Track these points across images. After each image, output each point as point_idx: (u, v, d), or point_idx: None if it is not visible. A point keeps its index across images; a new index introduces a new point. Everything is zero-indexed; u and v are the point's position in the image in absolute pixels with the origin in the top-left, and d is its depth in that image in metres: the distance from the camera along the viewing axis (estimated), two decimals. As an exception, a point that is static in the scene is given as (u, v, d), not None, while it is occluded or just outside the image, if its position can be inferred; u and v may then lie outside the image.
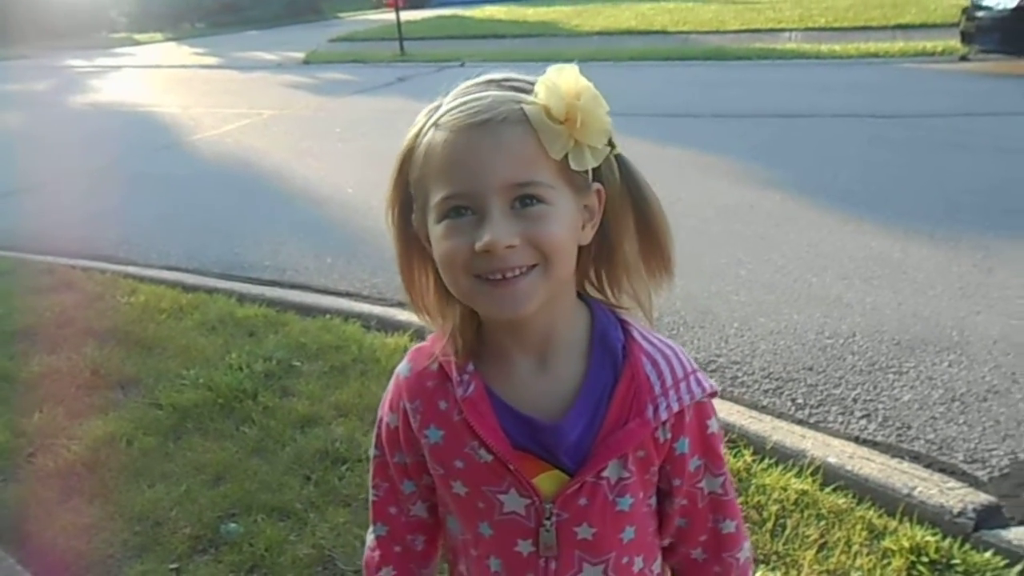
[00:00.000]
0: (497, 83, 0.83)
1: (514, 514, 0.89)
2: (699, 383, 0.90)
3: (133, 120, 10.05)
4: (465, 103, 0.81)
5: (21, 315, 3.83)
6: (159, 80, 14.29)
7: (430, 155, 0.81)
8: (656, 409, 0.87)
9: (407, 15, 17.00)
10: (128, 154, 8.02)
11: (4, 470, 2.63)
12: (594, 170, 0.84)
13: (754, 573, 2.02)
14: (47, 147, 8.58)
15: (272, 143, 8.03)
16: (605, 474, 0.87)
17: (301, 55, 15.57)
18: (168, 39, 22.59)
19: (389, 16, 16.70)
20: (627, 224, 0.88)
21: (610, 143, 0.84)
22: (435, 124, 0.83)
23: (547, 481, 0.88)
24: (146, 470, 2.57)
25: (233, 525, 2.29)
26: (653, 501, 0.94)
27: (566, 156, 0.79)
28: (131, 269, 4.52)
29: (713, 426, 0.93)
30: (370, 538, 1.03)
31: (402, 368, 0.95)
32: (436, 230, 0.81)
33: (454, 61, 13.47)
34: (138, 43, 22.00)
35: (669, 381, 0.88)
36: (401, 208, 0.88)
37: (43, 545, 2.27)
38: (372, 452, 1.01)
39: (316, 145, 7.91)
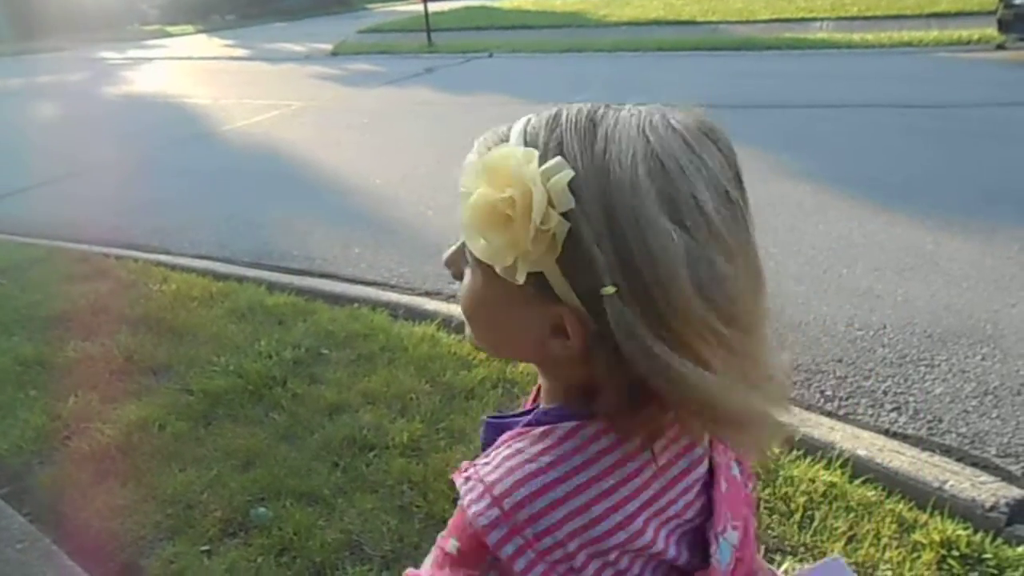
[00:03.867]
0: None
1: None
2: (474, 489, 0.63)
3: (165, 111, 10.17)
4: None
5: (56, 302, 3.90)
6: (190, 72, 14.44)
7: None
8: (463, 474, 0.67)
9: (435, 6, 17.00)
10: (160, 144, 8.12)
11: (40, 453, 2.68)
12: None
13: (779, 565, 2.02)
14: (81, 137, 8.72)
15: (301, 134, 8.09)
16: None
17: (329, 47, 15.65)
18: (199, 31, 22.82)
19: (417, 7, 16.72)
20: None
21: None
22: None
23: None
24: (178, 454, 2.61)
25: (263, 509, 2.32)
26: None
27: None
28: (163, 258, 4.58)
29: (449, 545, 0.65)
30: None
31: None
32: None
33: (482, 52, 13.47)
34: (169, 35, 22.26)
35: (483, 471, 0.64)
36: None
37: (78, 526, 2.31)
38: None
39: (344, 136, 7.95)
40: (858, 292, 3.62)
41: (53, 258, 4.62)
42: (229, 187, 6.29)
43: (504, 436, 0.67)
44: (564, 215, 0.57)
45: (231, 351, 3.27)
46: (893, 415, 2.72)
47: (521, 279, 0.60)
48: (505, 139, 0.65)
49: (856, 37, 11.58)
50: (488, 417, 0.78)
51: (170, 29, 23.48)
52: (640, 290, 0.57)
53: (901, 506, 2.21)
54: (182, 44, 19.57)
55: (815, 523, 2.16)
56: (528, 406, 0.81)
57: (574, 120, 0.62)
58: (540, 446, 0.64)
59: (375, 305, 3.70)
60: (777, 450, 2.46)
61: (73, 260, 4.55)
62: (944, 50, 10.37)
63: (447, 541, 0.65)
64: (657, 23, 15.01)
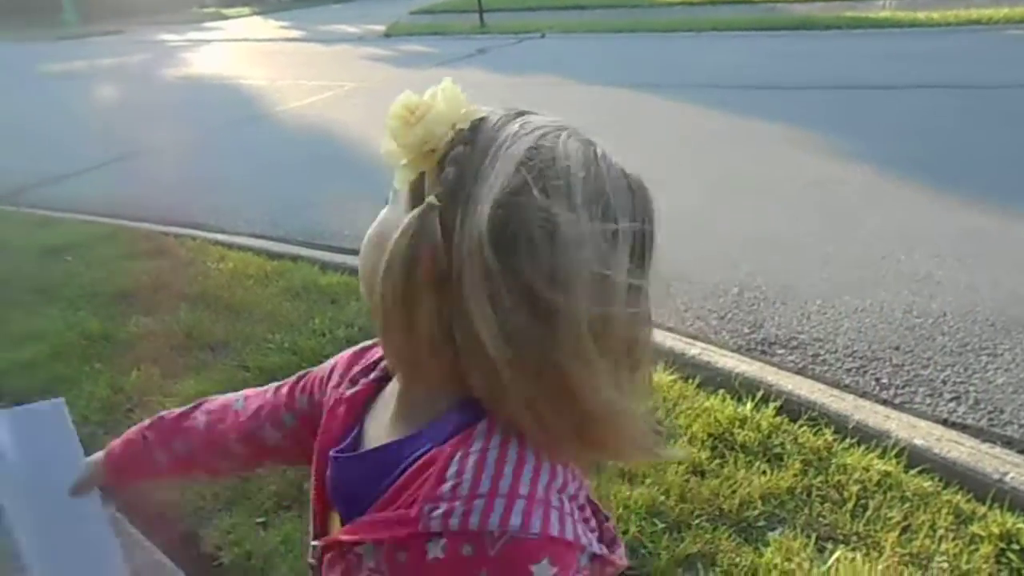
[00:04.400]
0: None
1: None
2: (521, 514, 0.61)
3: (221, 92, 10.35)
4: None
5: (120, 279, 4.02)
6: (246, 53, 14.66)
7: None
8: (431, 511, 0.61)
9: (487, -14, 16.92)
10: (217, 125, 8.28)
11: (105, 424, 2.78)
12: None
13: (831, 554, 1.99)
14: (142, 118, 8.93)
15: (353, 115, 8.16)
16: (359, 551, 0.68)
17: (382, 28, 15.71)
18: (254, 13, 23.12)
19: (469, -12, 16.65)
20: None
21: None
22: None
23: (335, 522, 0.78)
24: (235, 428, 2.68)
25: (316, 484, 2.37)
26: None
27: None
28: (220, 236, 4.69)
29: None
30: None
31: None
32: None
33: (534, 32, 13.38)
34: (226, 17, 22.59)
35: (466, 489, 0.62)
36: None
37: (141, 496, 2.38)
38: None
39: (396, 117, 7.99)
40: (917, 278, 3.53)
41: (116, 236, 4.76)
42: (282, 167, 6.39)
43: (419, 465, 0.65)
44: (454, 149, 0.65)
45: (286, 329, 3.34)
46: (952, 404, 2.66)
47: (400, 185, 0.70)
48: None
49: (921, 15, 11.20)
50: (339, 454, 0.76)
51: (226, 11, 23.82)
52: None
53: (959, 497, 2.16)
54: (238, 26, 19.86)
55: (868, 512, 2.13)
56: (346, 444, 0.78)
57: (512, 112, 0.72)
58: (480, 444, 0.64)
59: (426, 285, 3.72)
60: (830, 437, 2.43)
61: (135, 238, 4.68)
62: (1015, 28, 9.96)
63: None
64: (713, 3, 14.70)
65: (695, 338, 3.13)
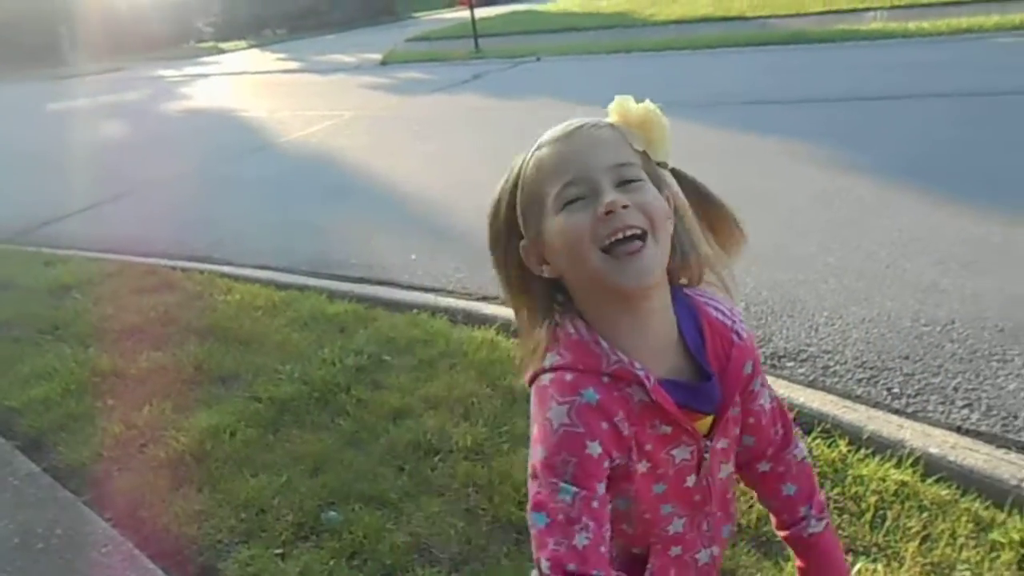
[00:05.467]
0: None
1: (683, 462, 1.05)
2: (738, 310, 1.11)
3: (222, 125, 10.45)
4: (557, 127, 1.01)
5: (128, 314, 4.04)
6: (245, 86, 14.80)
7: (541, 166, 0.99)
8: (738, 336, 1.08)
9: (481, 12, 17.10)
10: (219, 158, 8.34)
11: (119, 460, 2.78)
12: (658, 186, 1.01)
13: (852, 565, 1.99)
14: (144, 154, 9.01)
15: (354, 143, 8.23)
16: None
17: (378, 56, 15.87)
18: (251, 46, 23.37)
19: (463, 14, 16.82)
20: (697, 215, 1.06)
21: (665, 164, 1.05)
22: (537, 148, 1.01)
23: (702, 426, 1.06)
24: (249, 460, 2.68)
25: (333, 513, 2.37)
26: None
27: (644, 153, 1.00)
28: (226, 269, 4.71)
29: (757, 352, 1.14)
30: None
31: (586, 395, 0.95)
32: (557, 220, 0.96)
33: (529, 56, 13.51)
34: (223, 51, 22.84)
35: (730, 315, 1.09)
36: (508, 236, 1.04)
37: (157, 530, 2.39)
38: (570, 490, 0.94)
39: (395, 144, 8.06)
40: (923, 287, 3.54)
41: (123, 272, 4.79)
42: (287, 198, 6.43)
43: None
44: None
45: (296, 359, 3.35)
46: (965, 412, 2.66)
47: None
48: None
49: (912, 26, 11.28)
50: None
51: (223, 45, 24.08)
52: None
53: (977, 505, 2.15)
54: (236, 59, 20.06)
55: (887, 523, 2.12)
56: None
57: None
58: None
59: (434, 311, 3.74)
60: (844, 449, 2.43)
61: (142, 274, 4.70)
62: (1006, 35, 10.03)
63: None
64: (706, 20, 14.85)
65: (704, 354, 3.13)
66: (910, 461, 2.33)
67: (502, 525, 2.25)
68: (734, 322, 1.08)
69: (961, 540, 2.03)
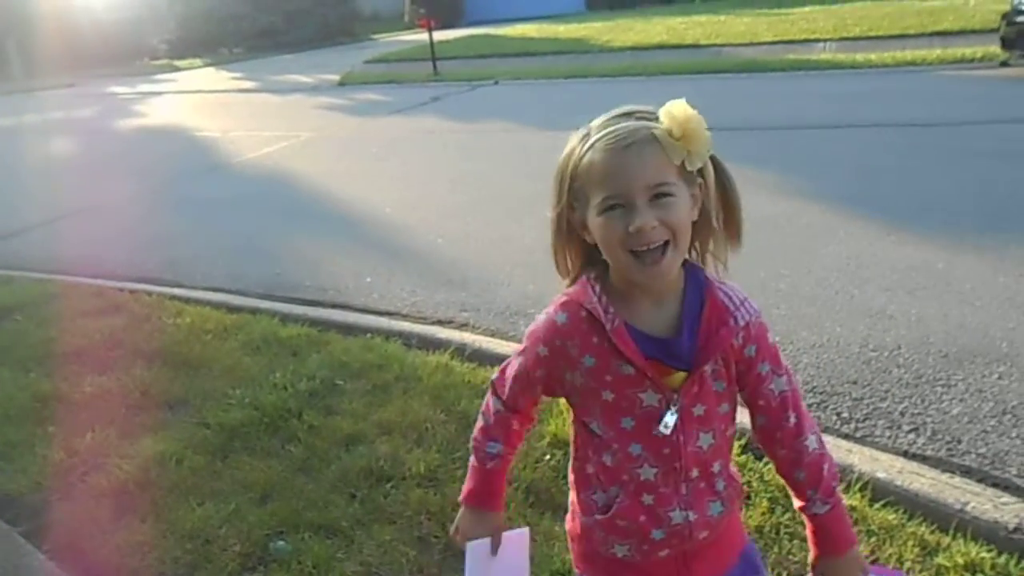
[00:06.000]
0: (630, 115, 1.18)
1: (650, 406, 1.21)
2: (752, 306, 1.25)
3: (175, 145, 10.29)
4: (612, 132, 1.15)
5: (72, 337, 3.93)
6: (199, 105, 14.61)
7: (591, 171, 1.16)
8: (735, 320, 1.22)
9: (440, 35, 17.17)
10: (171, 178, 8.21)
11: (59, 489, 2.69)
12: (690, 182, 1.18)
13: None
14: (93, 172, 8.82)
15: (310, 165, 8.16)
16: (706, 367, 1.21)
17: (336, 77, 15.81)
18: (207, 64, 23.07)
19: (422, 36, 16.86)
20: (717, 205, 1.24)
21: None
22: (591, 147, 1.16)
23: (672, 380, 1.21)
24: (196, 488, 2.61)
25: (282, 543, 2.32)
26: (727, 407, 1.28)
27: (683, 162, 1.14)
28: (177, 291, 4.62)
29: (771, 339, 1.29)
30: (482, 421, 1.39)
31: (559, 316, 1.25)
32: (598, 221, 1.16)
33: (487, 79, 13.59)
34: (178, 69, 22.51)
35: (737, 302, 1.23)
36: (564, 206, 1.22)
37: (98, 562, 2.32)
38: (517, 363, 1.32)
39: (353, 166, 8.03)
40: (871, 313, 3.61)
41: (68, 294, 4.66)
42: (240, 219, 6.34)
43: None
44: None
45: (246, 383, 3.29)
46: (911, 436, 2.71)
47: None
48: (629, 117, 1.19)
49: (859, 57, 11.64)
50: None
51: (178, 63, 23.75)
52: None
53: (923, 529, 2.19)
54: (191, 78, 19.80)
55: (836, 548, 2.14)
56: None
57: None
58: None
59: (388, 335, 3.71)
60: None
61: (88, 295, 4.58)
62: (948, 68, 10.41)
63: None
64: (661, 47, 15.09)
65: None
66: (858, 486, 2.36)
67: (455, 553, 2.22)
68: (737, 308, 1.22)
69: (908, 564, 2.06)
